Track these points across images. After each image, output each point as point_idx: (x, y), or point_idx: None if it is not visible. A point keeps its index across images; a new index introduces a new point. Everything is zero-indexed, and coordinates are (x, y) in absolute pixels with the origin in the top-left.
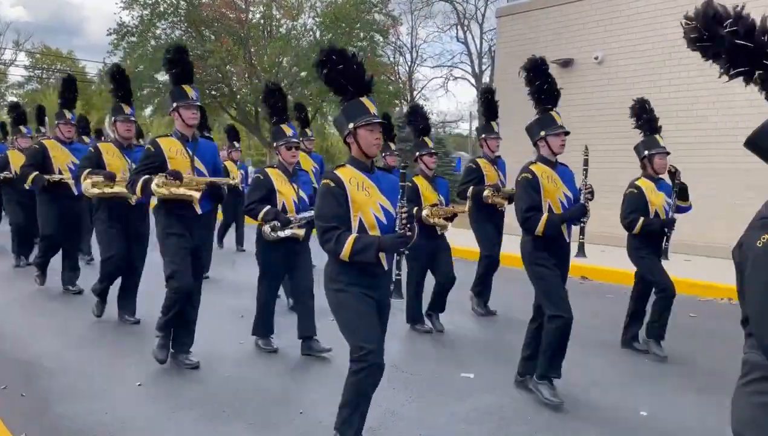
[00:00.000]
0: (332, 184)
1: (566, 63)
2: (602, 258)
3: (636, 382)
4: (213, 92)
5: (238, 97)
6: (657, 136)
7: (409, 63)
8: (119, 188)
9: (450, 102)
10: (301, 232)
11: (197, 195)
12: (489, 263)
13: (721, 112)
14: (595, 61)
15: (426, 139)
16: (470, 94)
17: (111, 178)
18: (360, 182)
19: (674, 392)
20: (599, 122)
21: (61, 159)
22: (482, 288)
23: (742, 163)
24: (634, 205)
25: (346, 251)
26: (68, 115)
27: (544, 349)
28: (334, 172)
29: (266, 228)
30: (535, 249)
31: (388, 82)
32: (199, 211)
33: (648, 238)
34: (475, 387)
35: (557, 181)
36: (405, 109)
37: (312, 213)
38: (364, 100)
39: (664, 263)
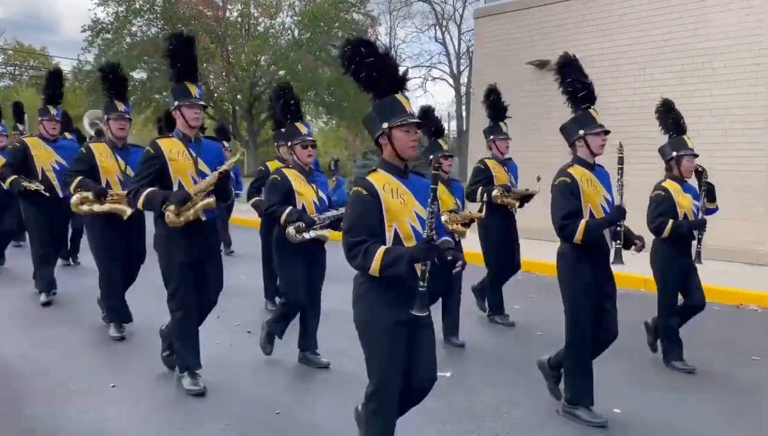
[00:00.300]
0: (364, 192)
1: (542, 64)
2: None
3: (611, 380)
4: None
5: (215, 95)
6: (684, 137)
7: None
8: (111, 206)
9: (428, 102)
10: (326, 233)
11: (211, 201)
12: (494, 276)
13: (696, 114)
14: None
15: (440, 141)
16: (449, 94)
17: (102, 194)
18: (394, 189)
19: (647, 390)
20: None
21: (44, 158)
22: (495, 298)
23: (719, 164)
24: (662, 208)
25: (375, 266)
26: (53, 111)
27: (566, 374)
28: (366, 178)
29: (291, 230)
30: (576, 260)
31: None
32: (203, 217)
33: (677, 242)
34: (451, 386)
35: (596, 184)
36: None
37: (334, 212)
38: (400, 97)
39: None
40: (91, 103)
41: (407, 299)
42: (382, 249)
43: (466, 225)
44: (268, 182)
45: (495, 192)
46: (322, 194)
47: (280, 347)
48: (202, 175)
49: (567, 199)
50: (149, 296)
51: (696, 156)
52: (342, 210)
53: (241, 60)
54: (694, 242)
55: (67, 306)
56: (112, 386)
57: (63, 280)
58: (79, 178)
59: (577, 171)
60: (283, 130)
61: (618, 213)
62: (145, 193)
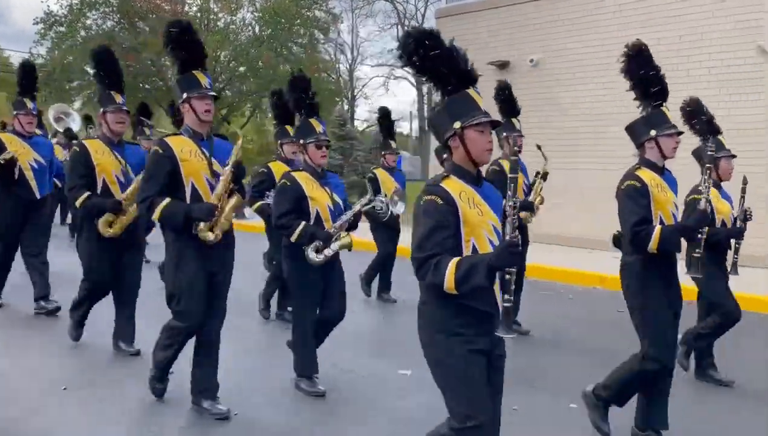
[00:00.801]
0: (439, 201)
1: (503, 65)
2: (552, 258)
3: (569, 376)
4: (147, 86)
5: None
6: (720, 137)
7: (349, 61)
8: (129, 217)
9: (391, 101)
10: (348, 239)
11: (235, 201)
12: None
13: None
14: (530, 64)
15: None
16: (411, 93)
17: (118, 208)
18: (470, 198)
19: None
20: (534, 124)
21: (22, 156)
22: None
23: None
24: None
25: (449, 280)
26: (29, 104)
27: (641, 394)
28: (441, 185)
29: (311, 254)
30: (644, 269)
31: (328, 80)
32: (219, 236)
33: (712, 250)
34: (412, 384)
35: (667, 190)
36: (345, 106)
37: (349, 214)
38: (472, 93)
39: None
40: (45, 99)
41: (483, 325)
42: (454, 261)
43: None
44: (277, 188)
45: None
46: (337, 198)
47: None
48: (217, 176)
49: (638, 204)
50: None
51: (734, 157)
52: (357, 207)
53: None
54: (731, 252)
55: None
56: (64, 389)
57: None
58: (86, 194)
59: (646, 174)
60: (287, 127)
61: (701, 218)
62: (161, 205)
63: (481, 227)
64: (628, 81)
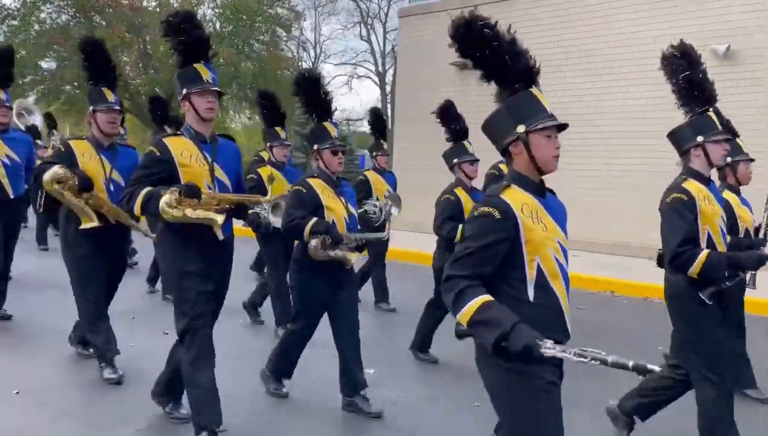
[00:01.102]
0: (497, 215)
1: (465, 65)
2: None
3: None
4: None
5: (131, 87)
6: (738, 140)
7: (312, 59)
8: (108, 207)
9: (354, 100)
10: (353, 256)
11: (220, 219)
12: None
13: (610, 116)
14: None
15: (465, 143)
16: (374, 92)
17: (87, 181)
18: (534, 212)
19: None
20: None
21: None
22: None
23: (619, 166)
24: None
25: (464, 315)
26: (2, 95)
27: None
28: (500, 196)
29: (314, 242)
30: (691, 285)
31: (291, 78)
32: (220, 236)
33: None
34: (375, 382)
35: (714, 202)
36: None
37: (368, 235)
38: (536, 92)
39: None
40: None
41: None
42: (483, 298)
43: None
44: (291, 195)
45: None
46: (352, 209)
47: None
48: (220, 184)
49: (685, 221)
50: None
51: (752, 160)
52: (376, 235)
53: (159, 51)
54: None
55: None
56: (16, 393)
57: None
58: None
59: (693, 186)
60: (277, 129)
61: (759, 260)
62: (142, 192)
63: (546, 244)
64: (670, 83)
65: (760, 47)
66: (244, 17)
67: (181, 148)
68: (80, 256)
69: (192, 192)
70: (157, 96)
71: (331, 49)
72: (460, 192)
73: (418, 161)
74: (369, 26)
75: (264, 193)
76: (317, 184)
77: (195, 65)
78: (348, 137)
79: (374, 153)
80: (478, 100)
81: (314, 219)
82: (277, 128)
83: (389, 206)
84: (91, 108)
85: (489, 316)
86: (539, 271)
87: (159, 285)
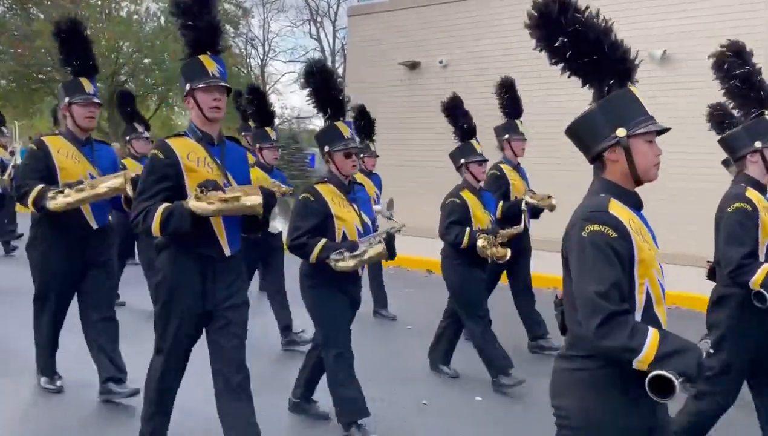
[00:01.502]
0: (613, 234)
1: (413, 66)
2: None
3: (477, 372)
4: (41, 76)
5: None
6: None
7: (261, 56)
8: (108, 184)
9: (304, 98)
10: (379, 248)
11: (258, 198)
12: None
13: (554, 117)
14: (440, 65)
15: (474, 142)
16: None
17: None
18: (638, 228)
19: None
20: (441, 125)
21: None
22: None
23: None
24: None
25: (647, 356)
26: None
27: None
28: (609, 211)
29: (334, 257)
30: (741, 306)
31: (239, 74)
32: (228, 251)
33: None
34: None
35: None
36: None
37: (380, 234)
38: (636, 91)
39: None
40: None
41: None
42: (656, 333)
43: (504, 245)
44: (297, 204)
45: (527, 197)
46: (366, 218)
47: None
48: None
49: (748, 232)
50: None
51: None
52: (385, 232)
53: (101, 45)
54: None
55: None
56: None
57: None
58: (40, 187)
59: (753, 195)
60: (267, 129)
61: None
62: (160, 209)
63: (652, 265)
64: (721, 84)
65: (695, 51)
66: None
67: (187, 150)
68: (45, 253)
69: (210, 183)
70: (126, 91)
71: (280, 46)
72: (467, 195)
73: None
74: (318, 24)
75: None
76: (327, 190)
77: (200, 57)
78: (297, 135)
79: (361, 154)
80: (425, 99)
81: (323, 241)
82: (267, 128)
83: (390, 211)
84: (66, 100)
85: (674, 344)
86: (647, 296)
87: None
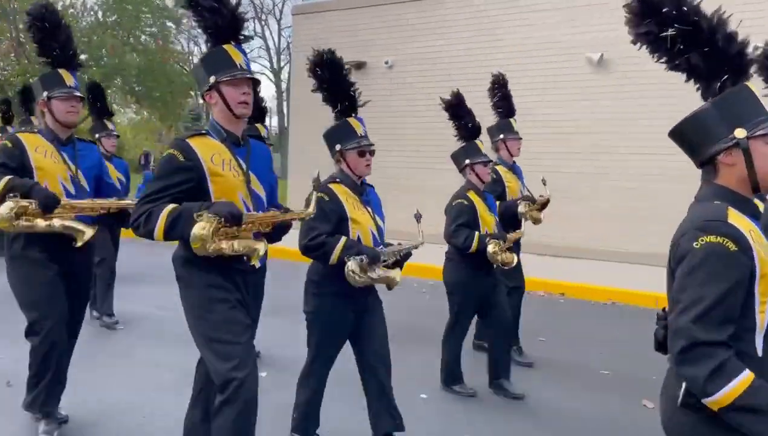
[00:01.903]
0: (733, 247)
1: (359, 66)
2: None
3: (418, 370)
4: None
5: (2, 78)
6: None
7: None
8: (64, 224)
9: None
10: (397, 274)
11: (262, 247)
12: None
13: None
14: (385, 66)
15: (478, 142)
16: (269, 89)
17: (52, 205)
18: (759, 239)
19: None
20: (386, 125)
21: None
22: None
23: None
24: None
25: (729, 395)
26: None
27: None
28: (726, 220)
29: (353, 266)
30: None
31: (181, 71)
32: (258, 264)
33: None
34: (269, 387)
35: None
36: (200, 100)
37: (404, 247)
38: (755, 89)
39: None
40: None
41: None
42: (748, 376)
43: (510, 249)
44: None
45: (521, 208)
46: (379, 221)
47: None
48: (256, 199)
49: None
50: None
51: None
52: (410, 245)
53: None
54: None
55: None
56: None
57: None
58: (9, 177)
59: None
60: (258, 126)
61: None
62: (165, 210)
63: None
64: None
65: (630, 56)
66: (129, 7)
67: (210, 152)
68: (29, 274)
69: (235, 219)
70: (96, 83)
71: None
72: (473, 196)
73: (314, 159)
74: (263, 22)
75: None
76: (341, 191)
77: (225, 46)
78: None
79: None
80: (371, 99)
81: (343, 239)
82: (258, 125)
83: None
84: (44, 94)
85: (764, 401)
86: None
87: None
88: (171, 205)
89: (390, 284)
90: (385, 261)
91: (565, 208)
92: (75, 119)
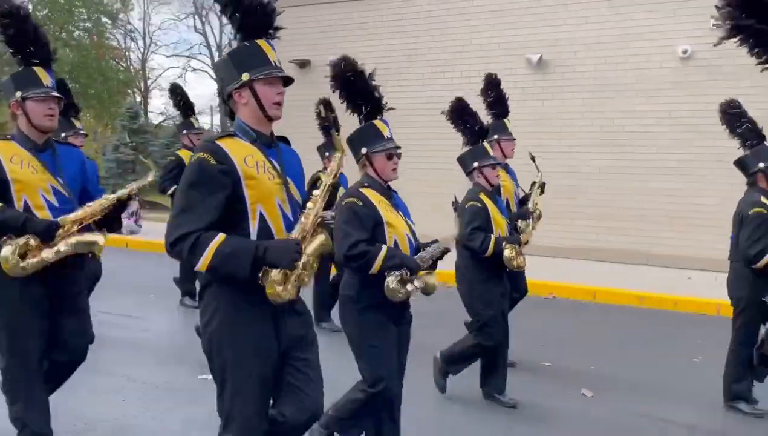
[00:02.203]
0: None
1: (303, 64)
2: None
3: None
4: None
5: None
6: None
7: (141, 49)
8: (74, 242)
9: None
10: (434, 280)
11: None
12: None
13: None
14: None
15: (486, 145)
16: (211, 87)
17: (51, 235)
18: None
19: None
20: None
21: None
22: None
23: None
24: (763, 229)
25: None
26: None
27: None
28: None
29: (392, 283)
30: None
31: (118, 68)
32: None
33: None
34: (213, 388)
35: None
36: (138, 98)
37: (435, 249)
38: None
39: None
40: None
41: None
42: None
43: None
44: (343, 208)
45: (521, 225)
46: (411, 224)
47: None
48: (294, 204)
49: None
50: None
51: None
52: (437, 247)
53: None
54: None
55: None
56: None
57: None
58: None
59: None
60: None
61: None
62: (216, 243)
63: None
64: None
65: (568, 57)
66: (61, 1)
67: (243, 154)
68: (11, 299)
69: (296, 255)
70: (60, 79)
71: (163, 40)
72: (485, 198)
73: None
74: (204, 18)
75: None
76: (373, 195)
77: (258, 42)
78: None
79: (327, 153)
80: (315, 98)
81: (384, 248)
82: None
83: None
84: (18, 94)
85: None
86: None
87: None
88: (220, 238)
89: (428, 290)
90: (424, 269)
91: None
92: (54, 124)
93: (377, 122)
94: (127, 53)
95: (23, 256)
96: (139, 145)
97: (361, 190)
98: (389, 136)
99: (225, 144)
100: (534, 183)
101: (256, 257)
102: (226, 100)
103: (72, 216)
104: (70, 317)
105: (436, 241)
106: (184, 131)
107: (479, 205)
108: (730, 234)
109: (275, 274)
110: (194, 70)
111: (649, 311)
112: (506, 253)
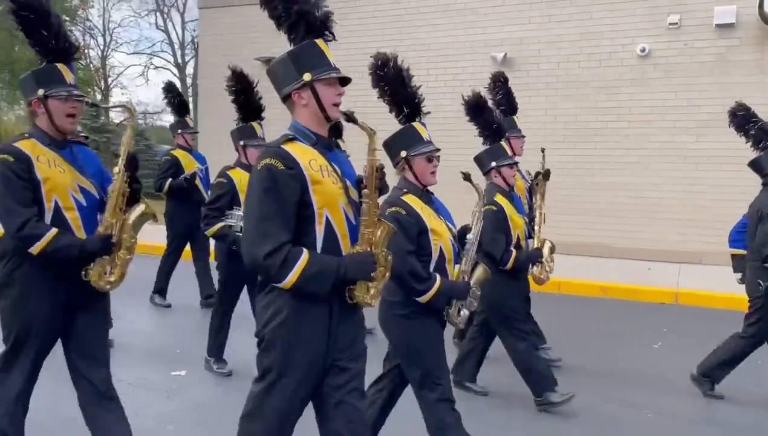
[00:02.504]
0: None
1: (269, 62)
2: None
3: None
4: None
5: None
6: None
7: (101, 47)
8: (125, 225)
9: (151, 92)
10: (483, 272)
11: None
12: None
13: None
14: None
15: (504, 143)
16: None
17: (109, 246)
18: None
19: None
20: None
21: None
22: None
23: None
24: None
25: None
26: None
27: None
28: None
29: (452, 317)
30: None
31: (77, 66)
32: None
33: None
34: (186, 384)
35: None
36: (98, 96)
37: (472, 249)
38: None
39: None
40: None
41: None
42: None
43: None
44: (391, 221)
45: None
46: (453, 229)
47: None
48: (356, 207)
49: None
50: None
51: None
52: (474, 237)
53: None
54: None
55: None
56: None
57: None
58: (53, 231)
59: None
60: (254, 124)
61: None
62: (304, 261)
63: None
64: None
65: (533, 55)
66: None
67: (307, 157)
68: (22, 299)
69: (374, 266)
70: None
71: (123, 37)
72: (502, 199)
73: (222, 157)
74: (165, 15)
75: (237, 200)
76: (414, 202)
77: (317, 41)
78: (145, 131)
79: (179, 131)
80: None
81: (438, 281)
82: (254, 123)
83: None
84: (40, 92)
85: None
86: None
87: None
88: (307, 255)
89: (481, 284)
90: (472, 289)
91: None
92: (74, 127)
93: (416, 124)
94: (86, 51)
95: (110, 271)
96: (100, 144)
97: (402, 197)
98: (429, 139)
99: (291, 148)
100: (538, 173)
101: (337, 277)
102: (283, 101)
103: (107, 213)
104: (89, 328)
105: (466, 226)
106: (179, 131)
107: (494, 208)
108: (730, 231)
109: (361, 285)
110: (156, 67)
111: (612, 301)
112: (534, 270)
